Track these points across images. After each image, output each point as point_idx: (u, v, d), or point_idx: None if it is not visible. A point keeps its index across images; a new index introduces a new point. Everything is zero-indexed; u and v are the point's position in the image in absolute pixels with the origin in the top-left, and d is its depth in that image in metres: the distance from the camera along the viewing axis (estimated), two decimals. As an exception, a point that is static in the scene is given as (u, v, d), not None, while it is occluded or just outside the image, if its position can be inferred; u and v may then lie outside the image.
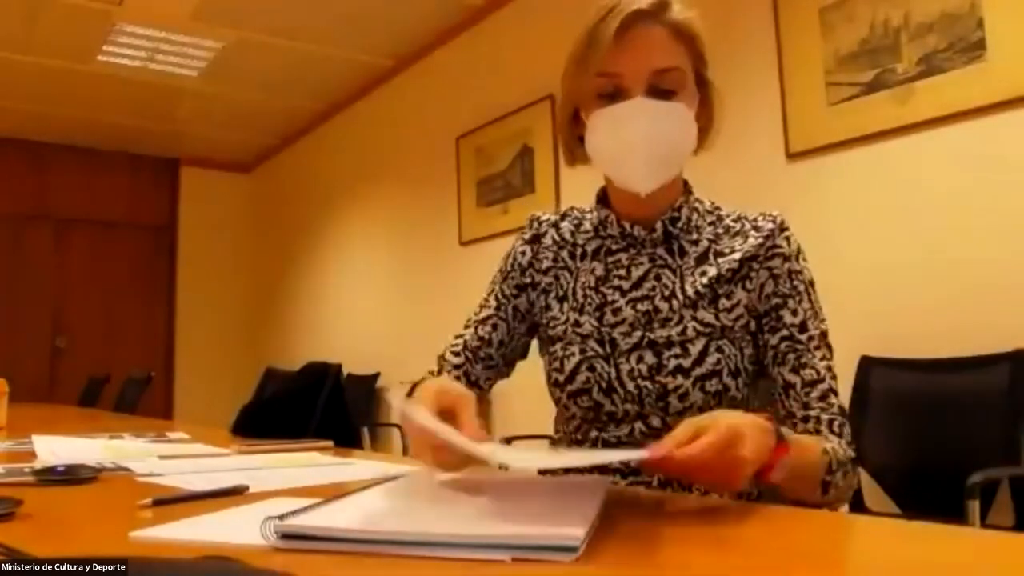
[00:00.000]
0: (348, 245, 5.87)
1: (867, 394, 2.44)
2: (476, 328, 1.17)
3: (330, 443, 1.54)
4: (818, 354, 1.03)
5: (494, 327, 1.16)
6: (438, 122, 4.82)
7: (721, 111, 1.10)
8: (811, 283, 1.08)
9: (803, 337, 1.04)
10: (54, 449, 1.41)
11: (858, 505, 2.36)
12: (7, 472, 1.07)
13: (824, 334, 1.06)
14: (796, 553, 0.64)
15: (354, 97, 5.73)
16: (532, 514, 0.66)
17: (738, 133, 3.08)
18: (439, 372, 1.16)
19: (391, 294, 5.26)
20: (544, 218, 1.21)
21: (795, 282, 1.06)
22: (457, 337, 1.18)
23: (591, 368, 1.06)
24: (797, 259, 1.08)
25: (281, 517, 0.61)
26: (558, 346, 1.10)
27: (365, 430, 4.73)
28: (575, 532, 0.57)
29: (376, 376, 5.07)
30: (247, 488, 0.91)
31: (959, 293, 2.40)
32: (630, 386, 1.04)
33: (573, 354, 1.07)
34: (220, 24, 4.61)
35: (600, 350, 1.06)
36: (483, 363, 1.16)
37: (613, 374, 1.05)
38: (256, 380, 5.02)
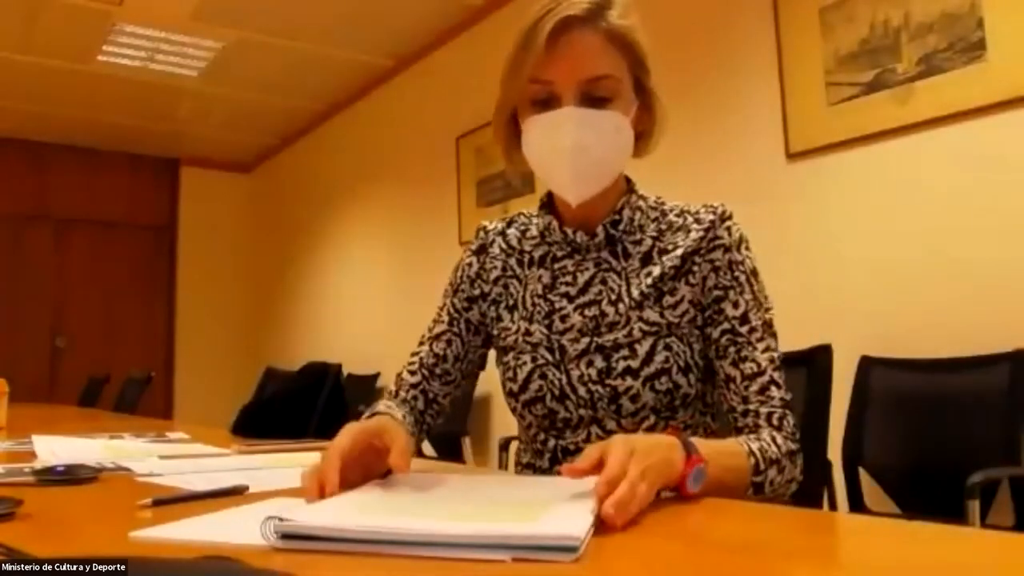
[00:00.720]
0: (348, 245, 5.87)
1: (867, 394, 2.44)
2: (431, 345, 1.17)
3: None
4: (760, 346, 1.02)
5: (448, 343, 1.16)
6: (438, 122, 4.82)
7: (664, 117, 1.08)
8: (754, 272, 1.06)
9: (744, 329, 1.02)
10: (54, 449, 1.41)
11: (858, 505, 2.36)
12: (7, 472, 1.07)
13: (768, 324, 1.04)
14: (796, 553, 0.64)
15: (354, 97, 5.72)
16: (532, 514, 0.66)
17: (738, 133, 3.08)
18: (396, 393, 1.16)
19: (391, 294, 5.26)
20: (491, 227, 1.21)
21: (736, 273, 1.05)
22: (413, 355, 1.18)
23: (543, 376, 1.07)
24: (739, 249, 1.07)
25: (281, 517, 0.61)
26: (510, 356, 1.11)
27: (365, 430, 4.72)
28: (575, 532, 0.57)
29: (376, 376, 5.07)
30: (247, 488, 0.91)
31: (959, 293, 2.40)
32: (581, 391, 1.04)
33: (525, 363, 1.08)
34: (220, 24, 4.61)
35: (550, 358, 1.07)
36: (440, 379, 1.16)
37: (564, 380, 1.05)
38: (256, 380, 5.00)
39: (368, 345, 5.33)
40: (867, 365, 2.47)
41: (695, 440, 0.86)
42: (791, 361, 1.22)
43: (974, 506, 1.85)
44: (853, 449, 2.39)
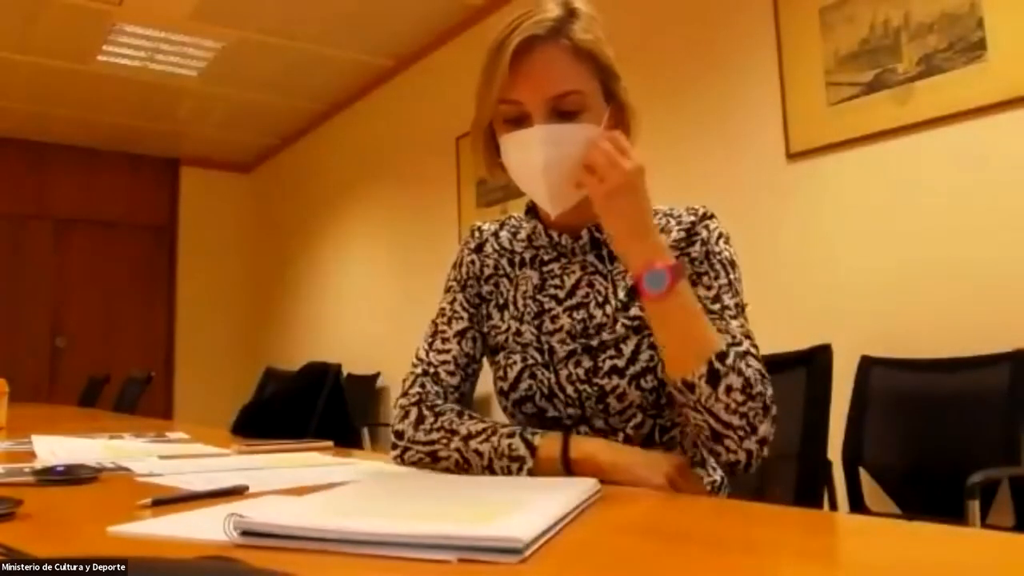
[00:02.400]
0: (348, 245, 5.87)
1: (867, 394, 2.44)
2: (459, 343, 1.14)
3: (330, 443, 1.54)
4: (734, 322, 1.01)
5: (473, 340, 1.15)
6: (438, 122, 4.82)
7: (637, 122, 1.09)
8: (731, 263, 1.07)
9: (716, 307, 1.03)
10: (54, 449, 1.41)
11: (858, 505, 2.36)
12: (7, 472, 1.07)
13: (741, 307, 1.04)
14: (796, 553, 0.64)
15: (354, 97, 5.73)
16: (490, 515, 0.66)
17: (738, 133, 3.08)
18: (444, 396, 1.11)
19: (391, 294, 5.26)
20: (485, 228, 1.22)
21: (711, 260, 1.07)
22: (442, 352, 1.13)
23: (532, 376, 1.08)
24: (717, 242, 1.08)
25: (241, 515, 0.62)
26: (501, 355, 1.12)
27: (365, 430, 4.73)
28: (520, 534, 0.57)
29: (376, 376, 5.07)
30: (247, 488, 0.90)
31: (959, 293, 2.40)
32: (569, 390, 1.06)
33: (515, 363, 1.10)
34: (220, 24, 4.61)
35: (540, 358, 1.08)
36: (471, 379, 1.16)
37: (553, 380, 1.07)
38: (256, 380, 5.01)
39: (368, 345, 5.33)
40: (867, 365, 2.47)
41: (684, 283, 0.93)
42: (791, 361, 1.23)
43: (974, 506, 1.85)
44: (853, 449, 2.39)
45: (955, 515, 1.90)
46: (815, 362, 1.21)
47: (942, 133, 2.47)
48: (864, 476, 2.39)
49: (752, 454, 0.95)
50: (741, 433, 0.94)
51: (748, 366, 0.95)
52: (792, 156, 2.88)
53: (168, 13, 4.46)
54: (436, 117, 4.86)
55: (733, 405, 0.93)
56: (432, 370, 1.12)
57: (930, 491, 2.25)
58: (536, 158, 1.00)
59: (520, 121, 1.02)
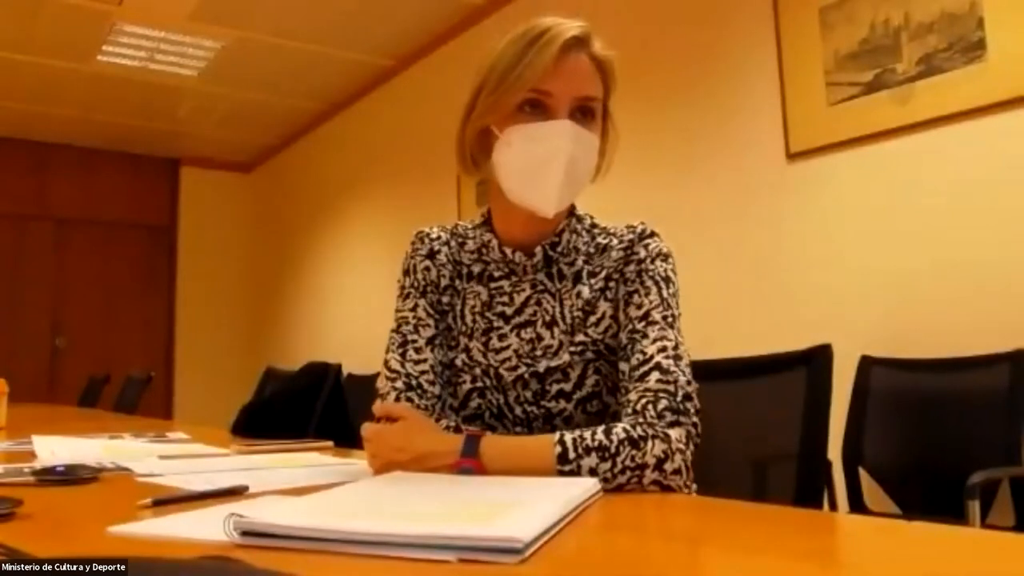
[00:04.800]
0: (348, 245, 5.87)
1: (867, 394, 2.44)
2: (432, 351, 1.12)
3: (330, 443, 1.54)
4: (652, 335, 1.01)
5: (442, 347, 1.13)
6: (438, 122, 4.82)
7: (615, 145, 1.12)
8: (665, 280, 1.06)
9: (640, 325, 1.03)
10: (54, 449, 1.41)
11: (858, 505, 2.36)
12: (7, 472, 1.07)
13: (670, 319, 1.03)
14: (796, 553, 0.64)
15: (354, 97, 5.72)
16: (490, 515, 0.66)
17: (738, 133, 3.08)
18: (432, 409, 1.09)
19: (391, 294, 5.22)
20: (434, 235, 1.20)
21: (644, 278, 1.07)
22: (418, 363, 1.10)
23: (481, 395, 1.09)
24: (653, 261, 1.08)
25: (241, 515, 0.62)
26: (450, 372, 1.12)
27: (365, 430, 4.72)
28: (520, 534, 0.57)
29: (376, 376, 5.06)
30: (247, 488, 0.91)
31: (959, 293, 2.40)
32: (518, 411, 1.08)
33: (464, 381, 1.10)
34: (220, 24, 4.61)
35: (487, 381, 1.09)
36: (446, 387, 1.13)
37: (502, 400, 1.09)
38: (256, 380, 5.01)
39: (368, 345, 5.33)
40: (867, 365, 2.47)
41: (492, 438, 0.95)
42: (791, 361, 1.23)
43: (974, 506, 1.85)
44: (853, 449, 2.39)
45: (955, 515, 1.89)
46: (815, 362, 1.21)
47: (942, 133, 2.47)
48: (864, 476, 2.39)
49: (668, 458, 0.92)
50: (638, 474, 0.91)
51: (611, 434, 0.92)
52: (792, 156, 2.88)
53: (168, 13, 4.46)
54: (436, 117, 4.86)
55: (604, 468, 0.90)
56: (414, 382, 1.09)
57: (930, 491, 2.25)
58: (559, 152, 1.02)
59: (536, 115, 1.03)
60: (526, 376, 1.07)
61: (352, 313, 5.72)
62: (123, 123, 6.23)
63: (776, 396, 1.27)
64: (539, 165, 1.03)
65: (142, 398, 3.92)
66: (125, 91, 5.56)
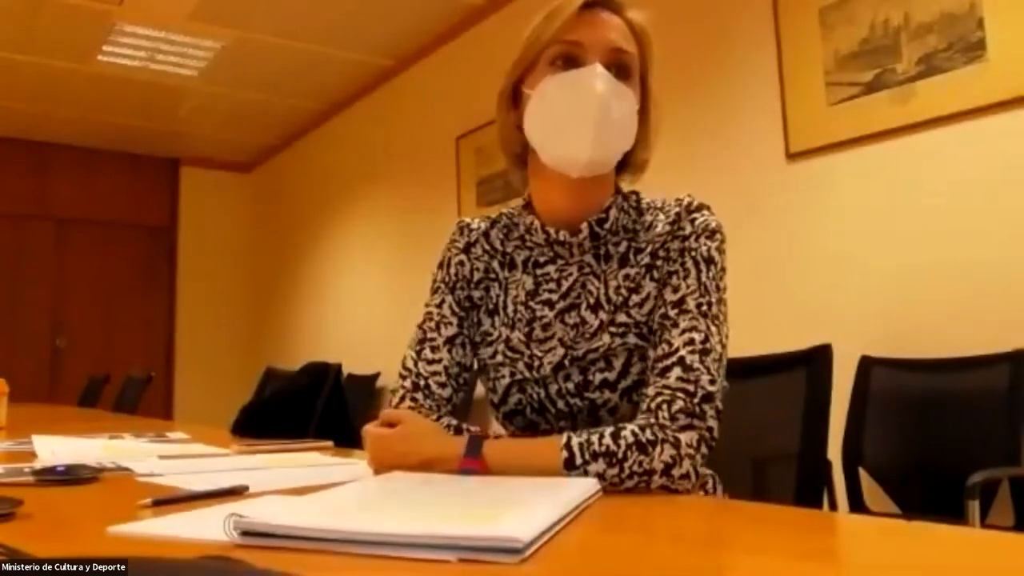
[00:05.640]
0: (348, 245, 5.87)
1: (867, 394, 2.44)
2: (450, 351, 1.09)
3: (330, 443, 1.54)
4: (682, 325, 0.96)
5: (463, 347, 1.10)
6: (438, 122, 4.82)
7: (658, 125, 1.08)
8: (707, 261, 1.00)
9: (673, 312, 0.98)
10: (54, 449, 1.41)
11: (858, 505, 2.36)
12: (7, 472, 1.07)
13: (705, 308, 0.97)
14: (796, 553, 0.64)
15: (354, 97, 5.72)
16: (492, 515, 0.66)
17: (738, 133, 3.08)
18: (437, 410, 1.07)
19: (391, 294, 5.26)
20: (474, 226, 1.17)
21: (684, 259, 1.01)
22: (432, 363, 1.08)
23: (522, 390, 1.06)
24: (697, 238, 1.02)
25: (241, 515, 0.62)
26: (491, 366, 1.09)
27: (365, 430, 4.72)
28: (520, 534, 0.57)
29: (376, 376, 5.07)
30: (247, 488, 0.90)
31: (959, 293, 2.40)
32: (560, 404, 1.04)
33: (504, 376, 1.07)
34: (220, 24, 4.61)
35: (528, 373, 1.05)
36: (463, 388, 1.10)
37: (543, 394, 1.05)
38: (256, 380, 5.02)
39: (368, 345, 5.33)
40: (867, 365, 2.47)
41: (499, 441, 0.95)
42: (791, 361, 1.23)
43: (974, 506, 1.85)
44: (853, 449, 2.39)
45: (955, 515, 1.89)
46: (815, 362, 1.21)
47: (942, 133, 2.47)
48: (864, 476, 2.39)
49: (676, 464, 0.90)
50: (646, 479, 0.89)
51: (618, 438, 0.89)
52: (792, 156, 2.88)
53: (168, 13, 4.46)
54: (436, 117, 4.86)
55: (611, 474, 0.89)
56: (423, 383, 1.08)
57: (930, 491, 2.25)
58: (591, 97, 0.98)
59: (570, 64, 1.01)
60: (566, 362, 1.03)
61: (352, 313, 5.72)
62: (123, 123, 6.23)
63: (776, 396, 1.27)
64: (572, 114, 0.99)
65: (142, 398, 3.92)
66: (125, 91, 5.56)
